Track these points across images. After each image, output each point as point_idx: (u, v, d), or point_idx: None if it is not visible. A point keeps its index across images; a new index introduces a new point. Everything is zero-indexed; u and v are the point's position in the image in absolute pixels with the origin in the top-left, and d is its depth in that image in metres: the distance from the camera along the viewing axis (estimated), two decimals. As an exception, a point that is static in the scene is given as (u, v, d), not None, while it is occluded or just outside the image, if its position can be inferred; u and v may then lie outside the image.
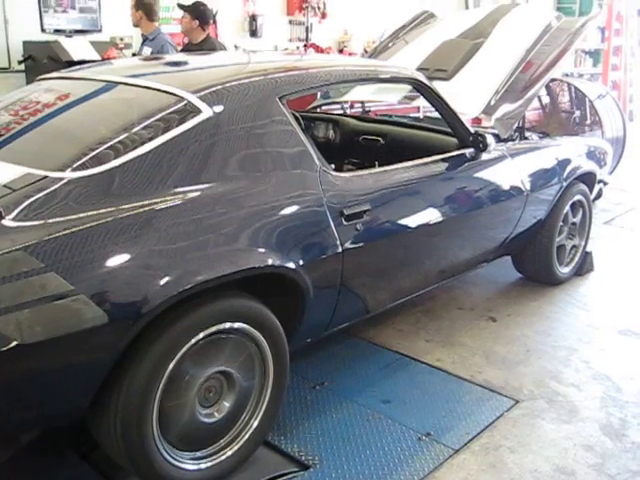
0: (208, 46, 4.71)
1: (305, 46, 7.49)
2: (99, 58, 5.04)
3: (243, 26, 7.25)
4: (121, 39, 5.52)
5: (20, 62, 5.29)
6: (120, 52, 5.36)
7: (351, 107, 5.95)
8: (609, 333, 3.42)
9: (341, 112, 4.78)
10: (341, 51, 8.08)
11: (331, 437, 2.48)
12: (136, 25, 4.78)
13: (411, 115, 5.70)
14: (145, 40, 4.73)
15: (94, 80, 2.67)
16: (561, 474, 2.31)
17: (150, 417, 1.94)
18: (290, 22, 7.79)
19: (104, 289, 1.79)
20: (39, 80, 3.01)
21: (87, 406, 1.91)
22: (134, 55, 5.36)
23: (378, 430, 2.53)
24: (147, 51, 4.56)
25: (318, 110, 4.76)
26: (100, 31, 5.56)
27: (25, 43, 5.32)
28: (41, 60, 5.03)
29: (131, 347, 1.88)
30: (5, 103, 2.70)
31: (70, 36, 5.31)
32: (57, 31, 5.36)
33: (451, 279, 3.42)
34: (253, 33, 7.21)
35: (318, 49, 7.37)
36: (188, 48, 4.92)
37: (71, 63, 4.51)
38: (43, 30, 5.21)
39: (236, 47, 6.59)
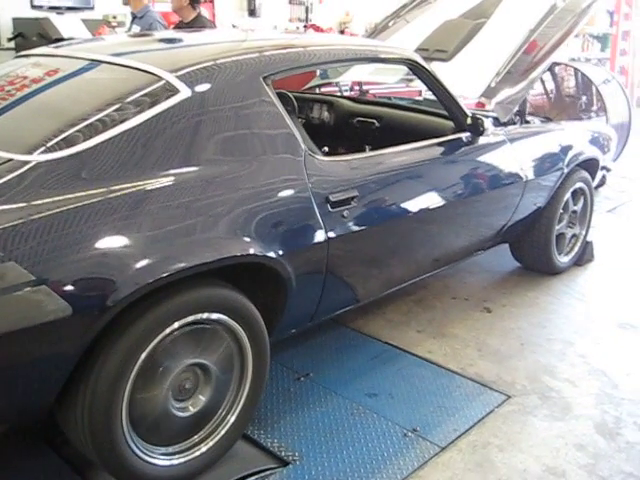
0: (198, 25, 4.58)
1: (305, 27, 7.33)
2: (90, 36, 4.92)
3: (242, 5, 7.09)
4: (114, 17, 5.39)
5: (10, 39, 5.17)
6: (112, 30, 5.24)
7: (351, 89, 5.82)
8: (607, 326, 3.31)
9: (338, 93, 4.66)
10: (342, 32, 7.91)
11: (313, 432, 2.39)
12: (126, 3, 4.66)
13: (414, 98, 5.57)
14: (134, 18, 4.62)
15: (74, 58, 2.56)
16: (551, 475, 2.21)
17: (119, 410, 1.85)
18: (290, 2, 7.62)
19: (68, 279, 1.69)
20: (18, 57, 2.91)
21: (53, 401, 1.82)
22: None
23: (362, 425, 2.44)
24: (136, 29, 4.45)
25: (317, 91, 4.65)
26: (92, 9, 5.43)
27: (15, 20, 5.20)
28: (31, 37, 4.90)
29: (100, 337, 1.79)
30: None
31: (61, 13, 5.18)
32: (49, 8, 5.24)
33: (446, 267, 3.31)
34: (252, 12, 7.05)
35: (318, 30, 7.21)
36: (179, 27, 4.78)
37: (60, 41, 4.38)
38: (33, 6, 5.08)
39: (234, 27, 6.45)
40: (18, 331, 1.61)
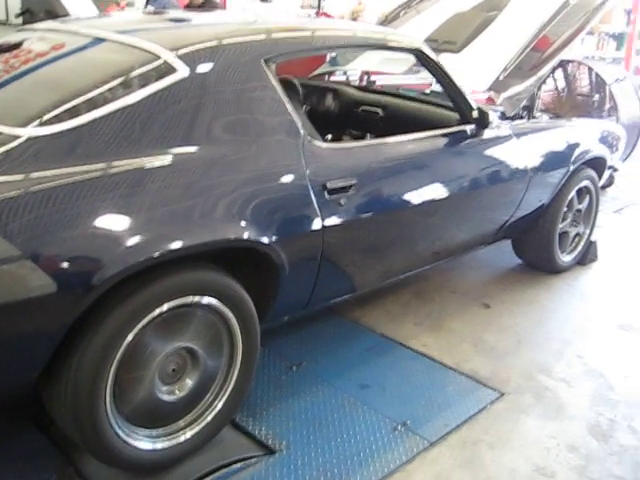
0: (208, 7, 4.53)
1: (317, 14, 7.26)
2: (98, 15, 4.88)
3: (253, -10, 7.04)
4: (124, -3, 5.36)
5: (17, 15, 5.15)
6: (121, 10, 5.20)
7: (360, 79, 5.75)
8: (607, 327, 3.26)
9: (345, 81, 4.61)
10: (354, 20, 7.83)
11: (302, 421, 2.37)
12: (139, -17, 4.62)
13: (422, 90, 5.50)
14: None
15: (79, 34, 2.52)
16: (540, 475, 2.18)
17: (103, 390, 1.83)
18: (303, -12, 7.57)
19: (54, 256, 1.67)
20: (21, 30, 2.87)
21: (35, 378, 1.80)
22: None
23: (352, 417, 2.41)
24: (150, 10, 4.40)
25: (326, 78, 4.60)
26: (103, -13, 5.38)
27: (23, -4, 5.17)
28: (38, 14, 4.86)
29: (86, 315, 1.76)
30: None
31: (70, -9, 5.14)
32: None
33: (446, 261, 3.27)
34: (263, -2, 7.00)
35: (329, 18, 7.14)
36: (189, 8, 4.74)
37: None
38: (42, -17, 5.04)
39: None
40: (0, 305, 1.59)
